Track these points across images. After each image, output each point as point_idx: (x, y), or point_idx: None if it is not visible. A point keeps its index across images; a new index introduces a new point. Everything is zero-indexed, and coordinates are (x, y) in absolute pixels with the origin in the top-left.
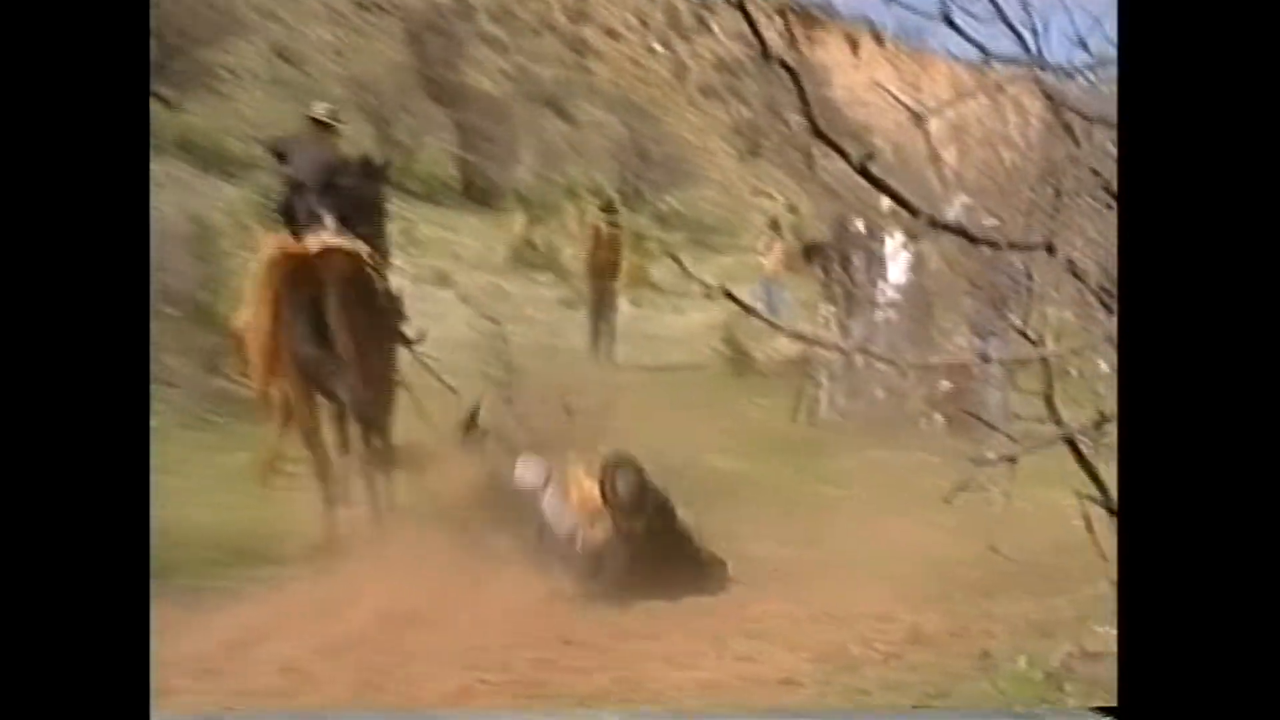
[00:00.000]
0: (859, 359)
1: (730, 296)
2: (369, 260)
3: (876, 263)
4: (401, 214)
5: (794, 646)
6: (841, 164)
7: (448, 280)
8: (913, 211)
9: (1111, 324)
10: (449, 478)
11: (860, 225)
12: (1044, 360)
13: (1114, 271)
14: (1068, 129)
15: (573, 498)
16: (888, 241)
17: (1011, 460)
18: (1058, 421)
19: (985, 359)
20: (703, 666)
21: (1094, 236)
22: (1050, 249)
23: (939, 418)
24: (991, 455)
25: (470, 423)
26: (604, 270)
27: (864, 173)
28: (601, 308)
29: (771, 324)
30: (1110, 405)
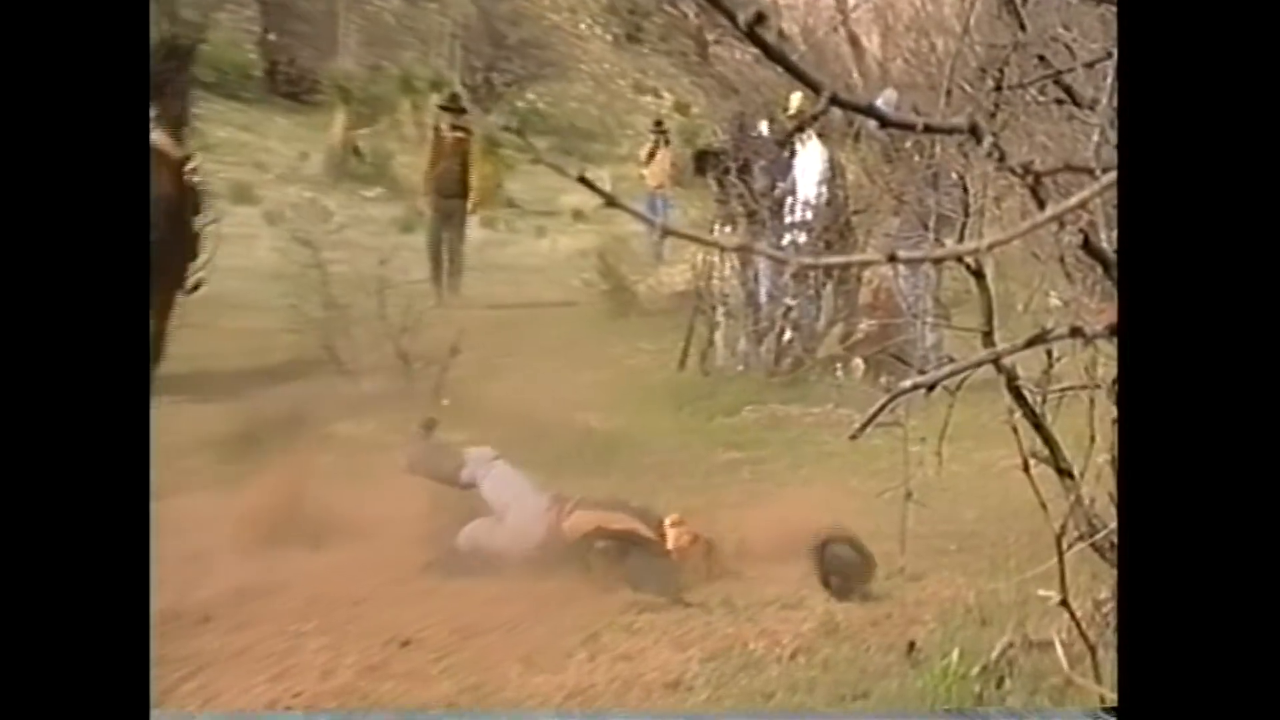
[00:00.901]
0: (763, 292)
1: (613, 203)
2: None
3: (783, 174)
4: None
5: (682, 643)
6: (741, 54)
7: (249, 194)
8: (815, 88)
9: (1064, 247)
10: None
11: (764, 128)
12: (984, 289)
13: (1066, 183)
14: (1012, 10)
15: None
16: (797, 148)
17: (932, 389)
18: (998, 366)
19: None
20: (570, 669)
21: (1042, 139)
22: (976, 132)
23: (858, 363)
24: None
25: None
26: (447, 184)
27: (753, 38)
28: (445, 231)
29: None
30: (1059, 351)
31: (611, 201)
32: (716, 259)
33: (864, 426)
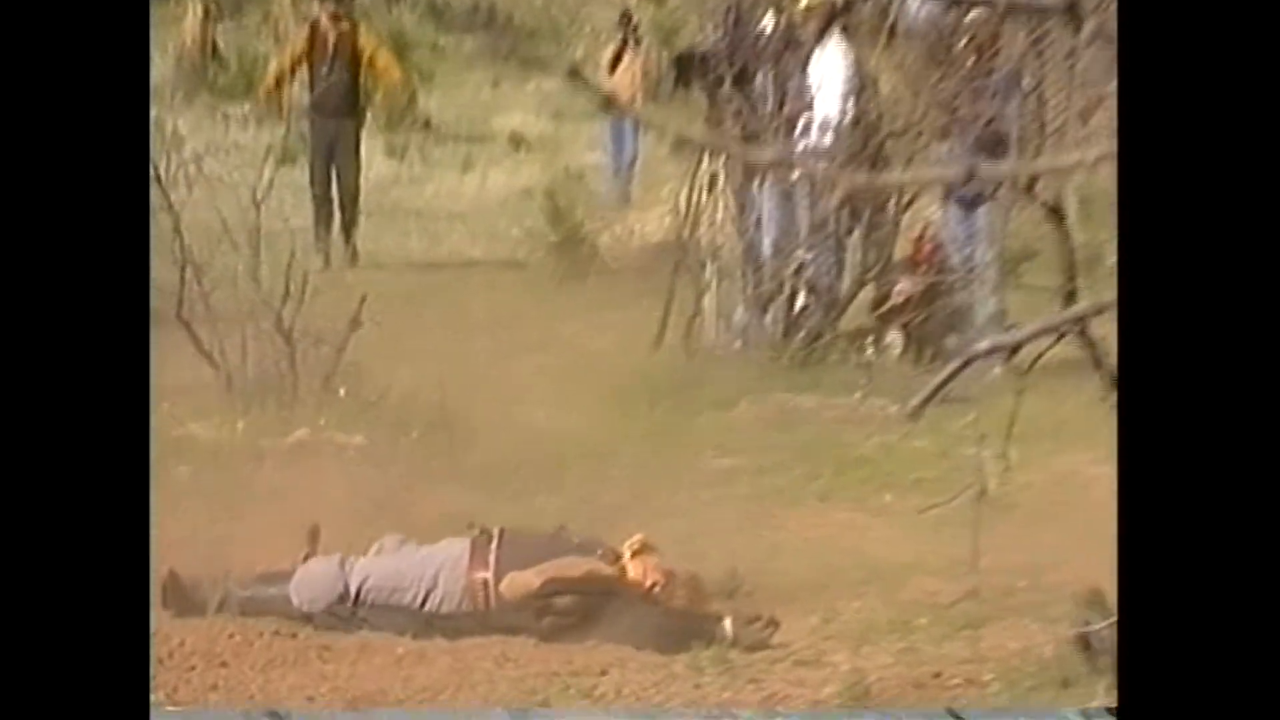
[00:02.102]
0: (767, 244)
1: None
2: None
3: (795, 84)
4: None
5: (661, 712)
6: None
7: None
8: None
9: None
10: None
11: (768, 22)
12: (1064, 235)
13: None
14: None
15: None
16: (814, 50)
17: (1015, 352)
18: (1085, 337)
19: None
20: None
21: None
22: (1075, 12)
23: (895, 337)
24: (984, 347)
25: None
26: (332, 98)
27: None
28: (334, 161)
29: None
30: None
31: (610, 103)
32: (704, 198)
33: (926, 400)
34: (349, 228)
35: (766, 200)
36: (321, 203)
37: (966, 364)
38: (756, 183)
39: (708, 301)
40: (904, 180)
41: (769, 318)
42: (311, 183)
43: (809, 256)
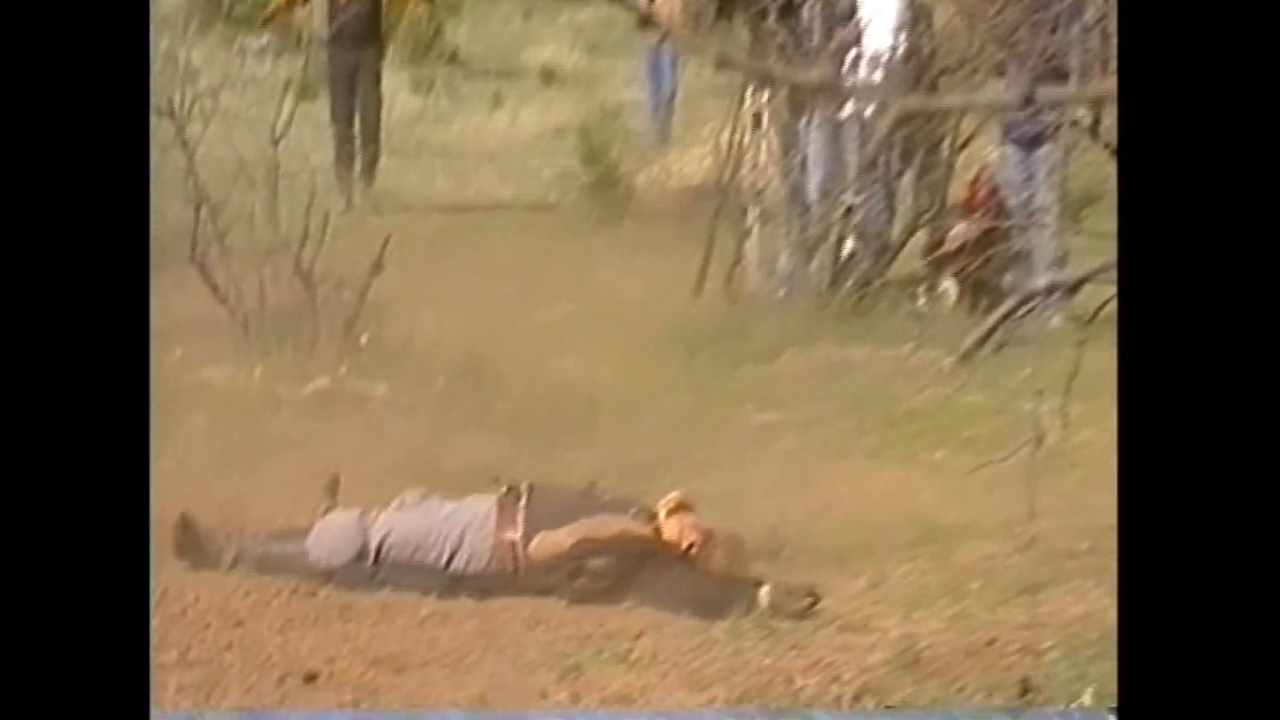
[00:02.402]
0: (813, 186)
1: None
2: None
3: (845, 15)
4: None
5: (699, 679)
6: None
7: None
8: None
9: None
10: None
11: None
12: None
13: None
14: None
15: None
16: None
17: (1076, 289)
18: None
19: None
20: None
21: None
22: None
23: (949, 285)
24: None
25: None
26: (358, 28)
27: None
28: (355, 96)
29: None
30: None
31: (648, 22)
32: (747, 138)
33: (980, 343)
34: (370, 167)
35: (813, 140)
36: (342, 140)
37: (1023, 304)
38: (803, 121)
39: (750, 247)
40: (957, 104)
41: (815, 264)
42: (332, 119)
43: (858, 199)
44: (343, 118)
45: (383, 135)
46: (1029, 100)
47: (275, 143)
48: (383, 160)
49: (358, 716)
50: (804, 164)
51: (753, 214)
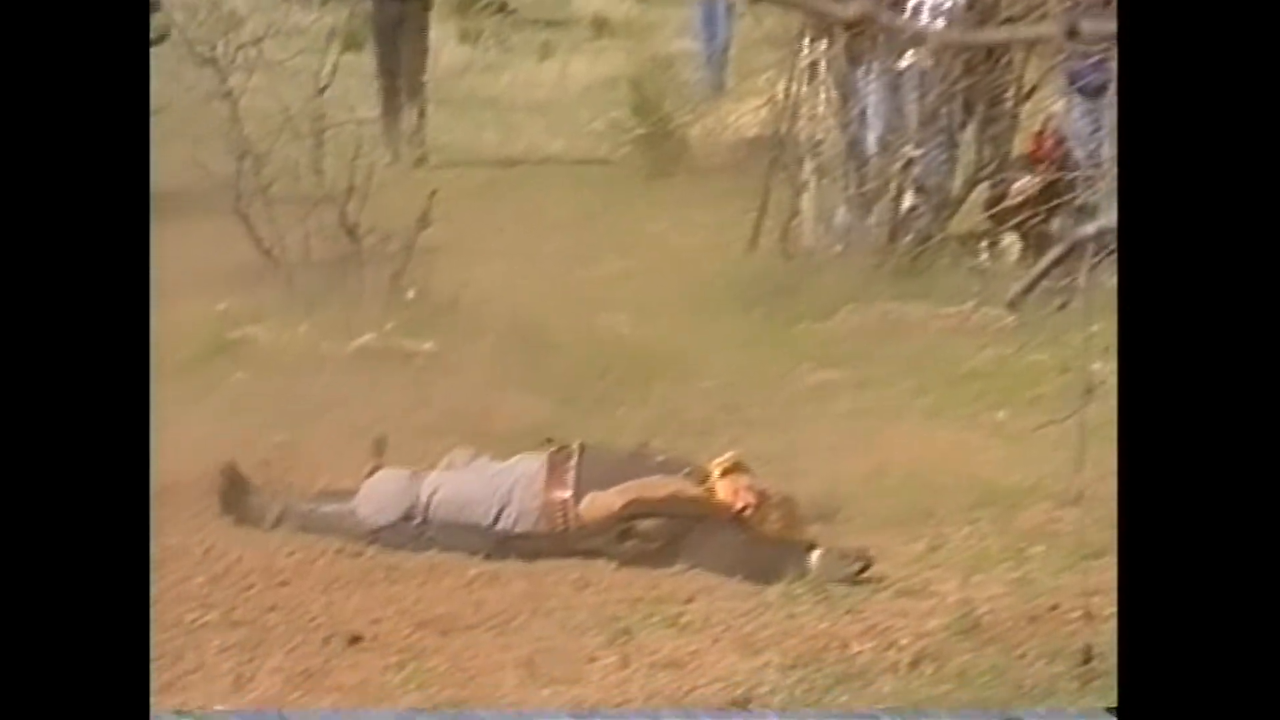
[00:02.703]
0: (872, 138)
1: None
2: None
3: None
4: None
5: (752, 644)
6: None
7: None
8: None
9: None
10: None
11: None
12: None
13: None
14: None
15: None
16: None
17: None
18: None
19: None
20: (590, 677)
21: None
22: None
23: (1013, 240)
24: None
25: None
26: None
27: None
28: (401, 46)
29: None
30: None
31: None
32: (804, 88)
33: (1027, 290)
34: (416, 119)
35: (872, 91)
36: (388, 92)
37: (1071, 251)
38: (861, 71)
39: (806, 201)
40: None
41: (873, 219)
42: (378, 70)
43: (918, 152)
44: (388, 69)
45: (429, 86)
46: (1073, 33)
47: (320, 93)
48: (430, 112)
49: (361, 716)
50: (862, 116)
51: (809, 167)
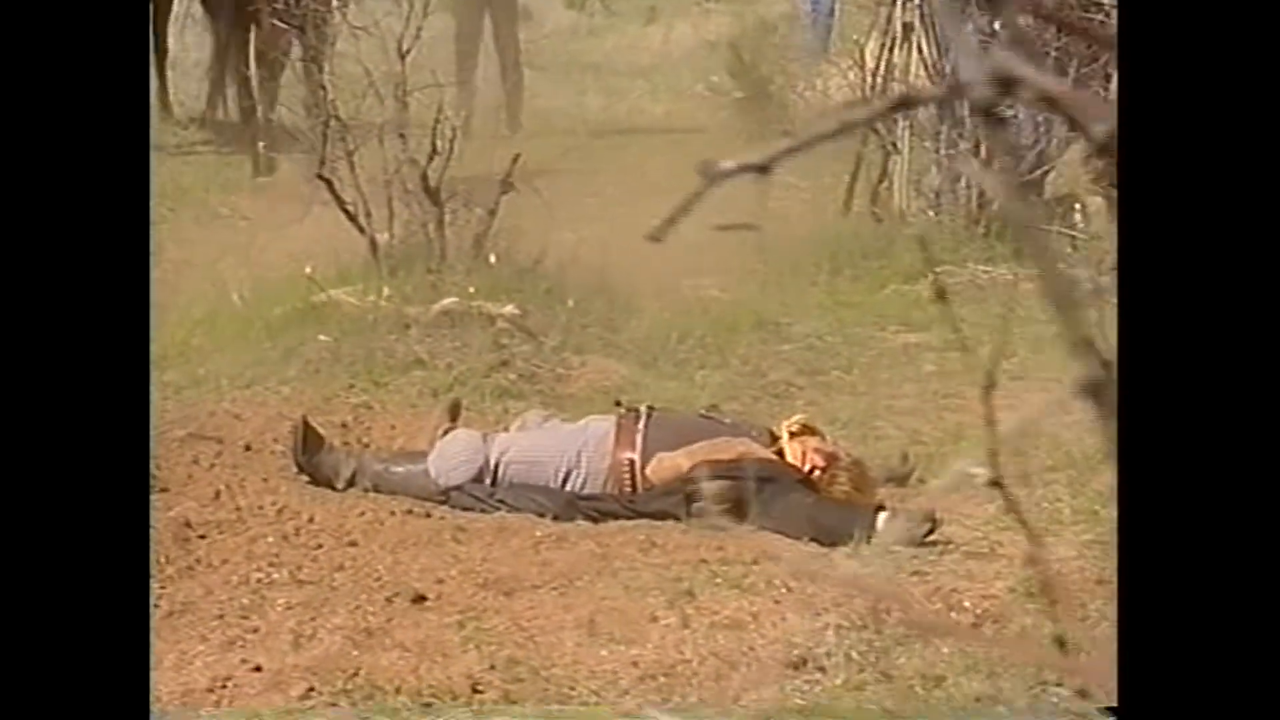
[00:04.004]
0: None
1: None
2: None
3: None
4: None
5: (814, 605)
6: None
7: None
8: None
9: None
10: None
11: None
12: None
13: None
14: None
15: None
16: None
17: None
18: None
19: None
20: (650, 639)
21: None
22: None
23: (1100, 202)
24: None
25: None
26: None
27: None
28: (486, 10)
29: None
30: None
31: None
32: (896, 50)
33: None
34: (516, 85)
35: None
36: (465, 55)
37: None
38: (954, 32)
39: (897, 165)
40: None
41: (964, 181)
42: (460, 31)
43: (1010, 113)
44: (471, 32)
45: (528, 51)
46: None
47: (403, 57)
48: (530, 77)
49: (361, 715)
50: (958, 75)
51: (901, 128)
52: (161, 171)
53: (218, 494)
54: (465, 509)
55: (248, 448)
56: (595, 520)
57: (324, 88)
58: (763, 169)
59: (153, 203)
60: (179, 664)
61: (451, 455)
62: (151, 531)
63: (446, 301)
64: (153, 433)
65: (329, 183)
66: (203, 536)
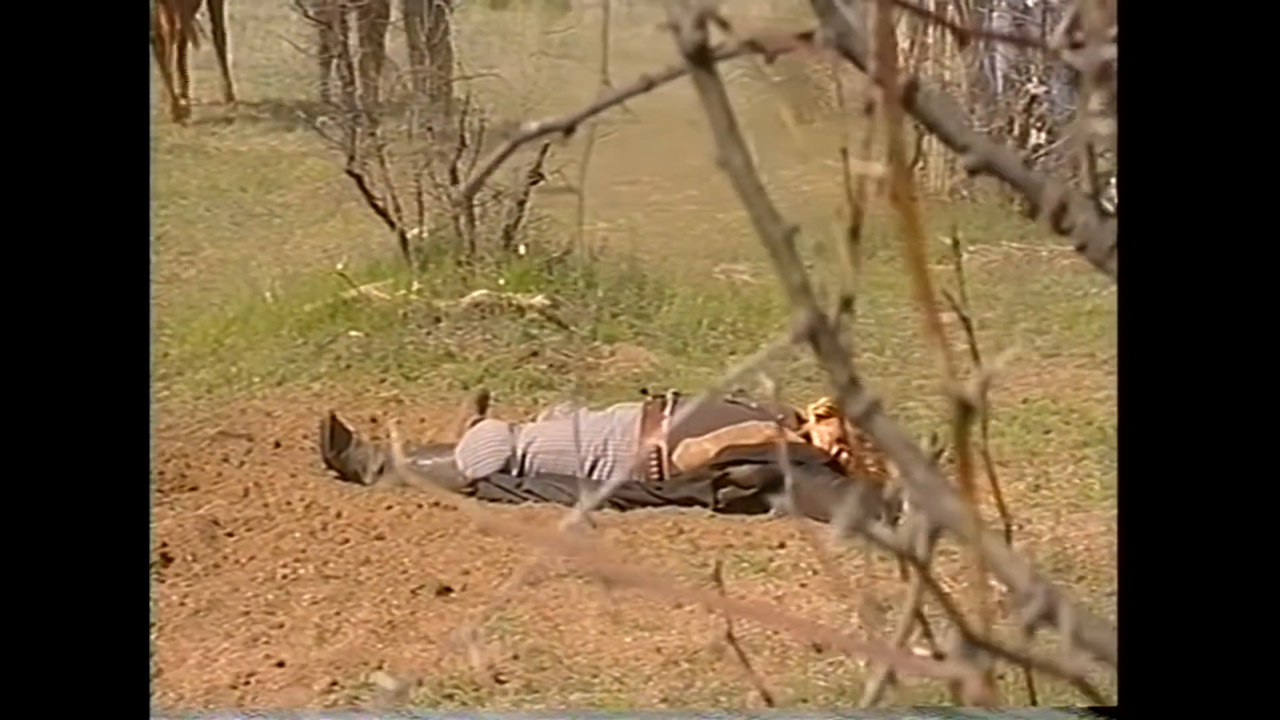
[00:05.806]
0: (998, 77)
1: None
2: None
3: None
4: None
5: (837, 588)
6: None
7: None
8: None
9: None
10: None
11: None
12: None
13: None
14: None
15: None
16: None
17: None
18: None
19: None
20: (674, 626)
21: None
22: None
23: None
24: None
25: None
26: None
27: None
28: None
29: None
30: None
31: None
32: (929, 25)
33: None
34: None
35: (998, 28)
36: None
37: None
38: (987, 7)
39: (932, 143)
40: None
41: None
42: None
43: (1042, 89)
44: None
45: (564, 43)
46: None
47: (432, 50)
48: (565, 67)
49: (357, 714)
50: (990, 54)
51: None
52: (198, 172)
53: (246, 491)
54: (493, 500)
55: (278, 444)
56: (622, 508)
57: (353, 82)
58: (568, 130)
59: (152, 203)
60: (203, 661)
61: (479, 446)
62: (178, 530)
63: (477, 294)
64: (152, 434)
65: (358, 178)
66: (230, 534)
